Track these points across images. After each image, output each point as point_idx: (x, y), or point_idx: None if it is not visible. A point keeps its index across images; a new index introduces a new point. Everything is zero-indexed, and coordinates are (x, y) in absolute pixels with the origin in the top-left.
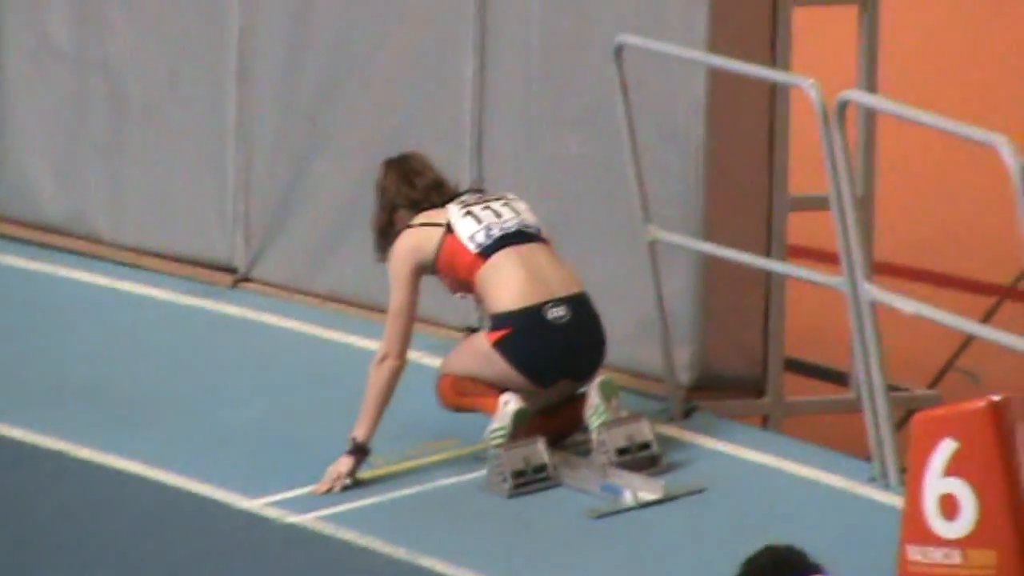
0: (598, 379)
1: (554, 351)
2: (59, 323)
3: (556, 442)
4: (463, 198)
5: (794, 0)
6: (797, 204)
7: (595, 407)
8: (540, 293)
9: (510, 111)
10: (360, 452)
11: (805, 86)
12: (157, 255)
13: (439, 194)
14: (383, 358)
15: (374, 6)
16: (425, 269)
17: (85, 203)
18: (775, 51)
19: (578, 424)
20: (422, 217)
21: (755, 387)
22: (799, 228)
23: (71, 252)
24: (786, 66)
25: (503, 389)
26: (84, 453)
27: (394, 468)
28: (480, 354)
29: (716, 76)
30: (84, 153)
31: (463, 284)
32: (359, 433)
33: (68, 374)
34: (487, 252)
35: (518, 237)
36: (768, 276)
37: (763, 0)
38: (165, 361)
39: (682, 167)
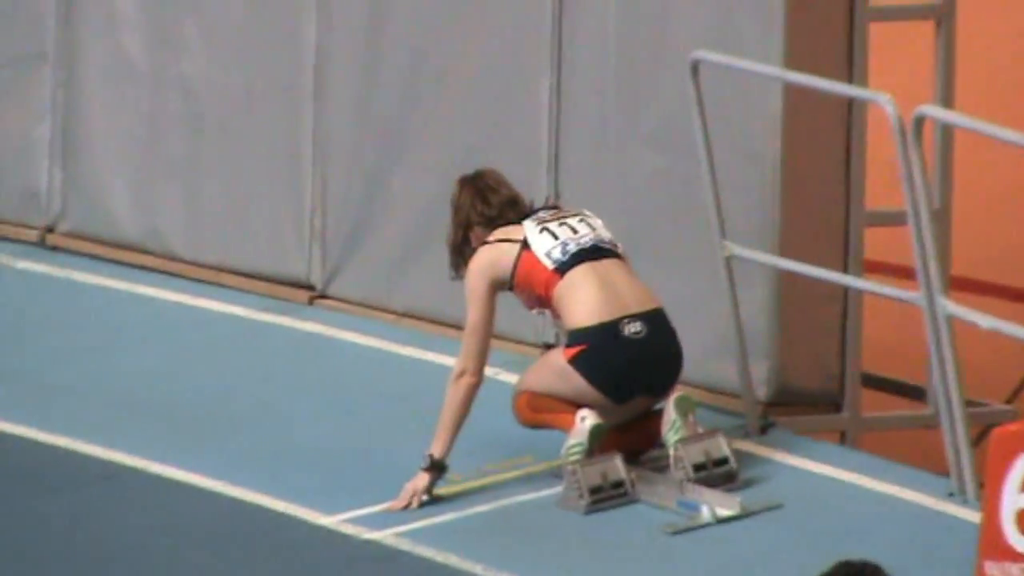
0: (674, 395)
1: (630, 367)
2: (137, 340)
3: (633, 458)
4: (539, 214)
5: (870, 15)
6: (873, 219)
7: (672, 423)
8: (616, 309)
9: (586, 127)
10: (437, 468)
11: (881, 101)
12: (234, 272)
13: (514, 211)
14: (460, 375)
15: (450, 22)
16: (502, 285)
17: (162, 221)
18: (851, 66)
19: (655, 440)
20: (498, 233)
21: (832, 403)
22: (875, 243)
23: (148, 270)
24: (862, 81)
25: (579, 405)
26: (161, 470)
27: (471, 484)
28: (556, 370)
29: (792, 92)
30: (161, 171)
31: (540, 300)
32: (436, 449)
33: (146, 391)
34: (563, 268)
35: (594, 253)
36: (845, 291)
37: (839, 15)
38: (242, 378)
39: (758, 183)
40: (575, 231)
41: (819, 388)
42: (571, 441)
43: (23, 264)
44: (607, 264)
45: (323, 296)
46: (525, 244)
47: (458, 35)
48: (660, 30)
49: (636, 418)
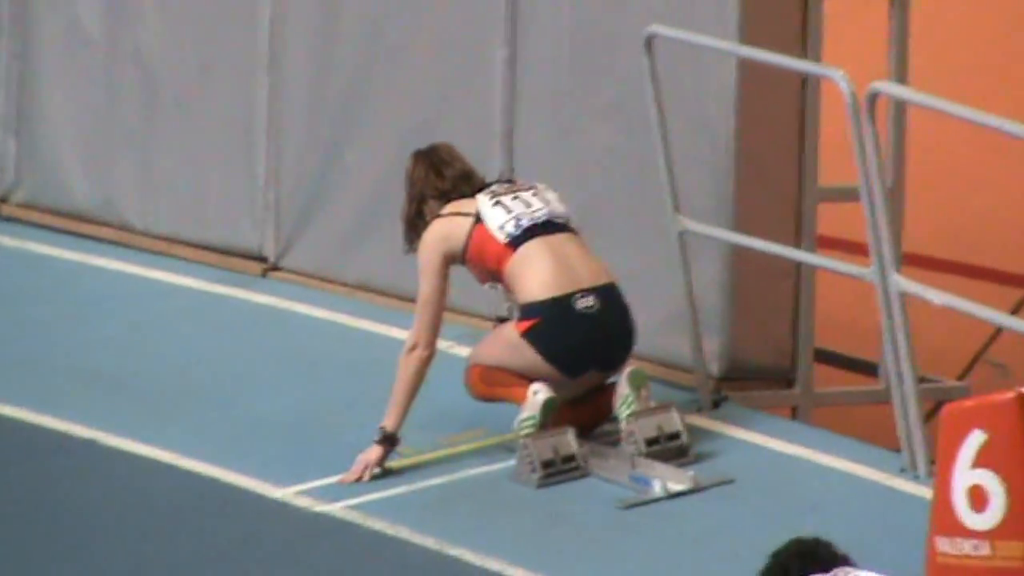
0: (627, 369)
1: (583, 341)
2: (90, 312)
3: (585, 432)
4: (492, 188)
5: None
6: (827, 195)
7: (624, 397)
8: (569, 283)
9: (541, 101)
10: (389, 441)
11: (835, 77)
12: (188, 244)
13: (468, 184)
14: (412, 347)
15: None
16: (454, 258)
17: (116, 192)
18: (806, 42)
19: (607, 414)
20: (451, 207)
21: (784, 378)
22: (829, 219)
23: (102, 241)
24: (817, 57)
25: (532, 379)
26: (115, 442)
27: (423, 458)
28: (509, 344)
29: (747, 67)
30: (115, 142)
31: (492, 274)
32: (388, 423)
33: (99, 363)
34: (516, 242)
35: (547, 227)
36: (798, 267)
37: None
38: (195, 350)
39: (712, 158)
40: (528, 205)
41: (771, 363)
42: (523, 415)
43: None
44: (560, 238)
45: (276, 268)
46: (478, 218)
47: (413, 8)
48: (615, 4)
49: (589, 392)
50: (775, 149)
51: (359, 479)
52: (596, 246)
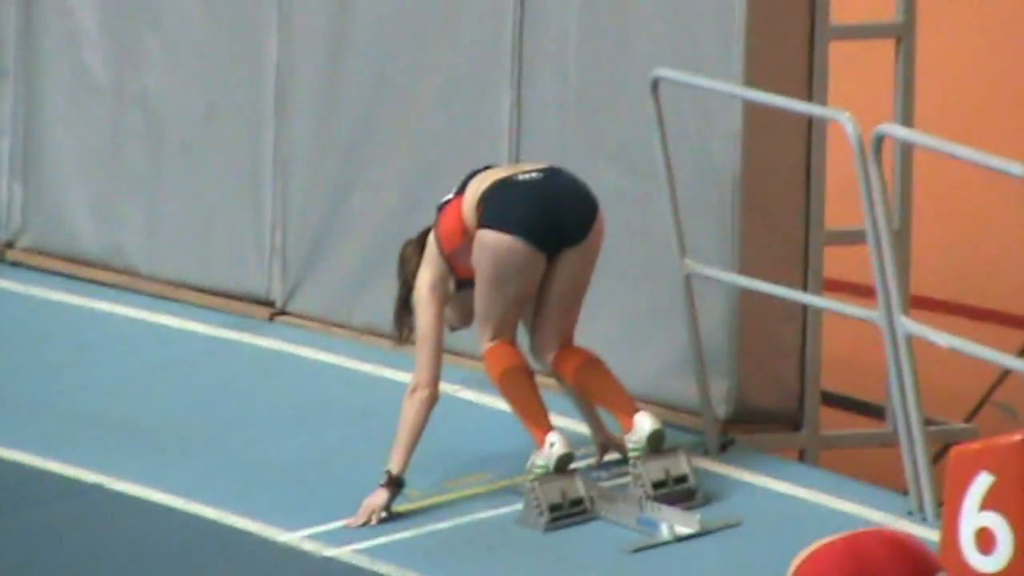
0: (654, 424)
1: (533, 202)
2: (96, 356)
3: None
4: None
5: (830, 34)
6: (833, 238)
7: (636, 443)
8: (511, 172)
9: (547, 145)
10: (395, 485)
11: (841, 119)
12: (194, 288)
13: None
14: (414, 389)
15: (411, 40)
16: (444, 273)
17: (122, 236)
18: (811, 84)
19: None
20: None
21: (791, 421)
22: (835, 262)
23: (108, 285)
24: (822, 99)
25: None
26: (122, 487)
27: (429, 501)
28: (479, 269)
29: (752, 109)
30: (121, 186)
31: (464, 235)
32: (393, 466)
33: (105, 407)
34: (462, 187)
35: (487, 167)
36: (804, 309)
37: (799, 33)
38: (202, 394)
39: (718, 200)
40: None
41: (778, 406)
42: (538, 461)
43: None
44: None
45: (283, 312)
46: (437, 213)
47: (419, 52)
48: (621, 48)
49: (592, 414)
50: (781, 192)
51: (366, 523)
52: (601, 288)
